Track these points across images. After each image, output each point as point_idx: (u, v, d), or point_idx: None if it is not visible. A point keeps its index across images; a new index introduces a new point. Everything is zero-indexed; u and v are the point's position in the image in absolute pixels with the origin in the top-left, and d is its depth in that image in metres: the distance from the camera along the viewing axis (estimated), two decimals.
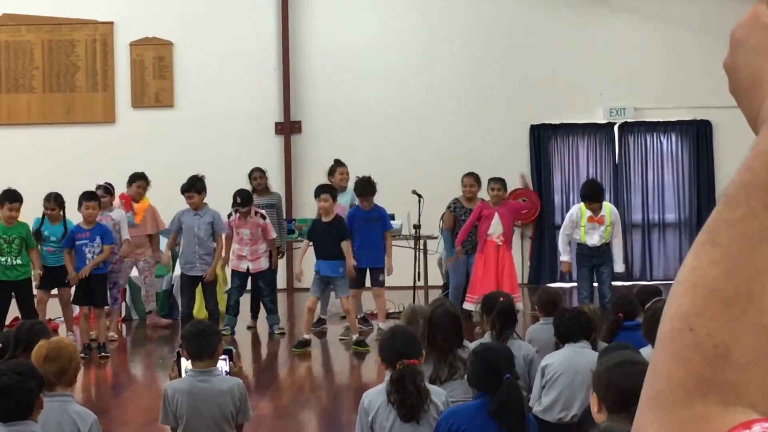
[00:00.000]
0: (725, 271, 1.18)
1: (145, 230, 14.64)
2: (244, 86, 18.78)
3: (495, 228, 13.60)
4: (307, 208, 17.34)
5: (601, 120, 19.07)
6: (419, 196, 14.68)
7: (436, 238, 14.94)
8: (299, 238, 15.12)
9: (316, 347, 12.99)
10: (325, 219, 12.90)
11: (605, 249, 13.32)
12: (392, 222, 14.52)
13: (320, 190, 13.07)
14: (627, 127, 19.15)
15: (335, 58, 18.82)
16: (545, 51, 18.86)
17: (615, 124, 19.11)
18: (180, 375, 6.73)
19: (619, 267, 13.51)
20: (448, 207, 14.30)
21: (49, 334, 6.95)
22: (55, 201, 13.30)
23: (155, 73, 18.97)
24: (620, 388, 4.33)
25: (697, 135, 19.10)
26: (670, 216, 19.21)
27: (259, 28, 18.89)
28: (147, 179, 14.89)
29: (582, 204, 13.56)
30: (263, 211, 14.15)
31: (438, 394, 6.10)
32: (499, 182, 13.85)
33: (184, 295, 13.41)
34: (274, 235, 14.03)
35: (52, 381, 5.64)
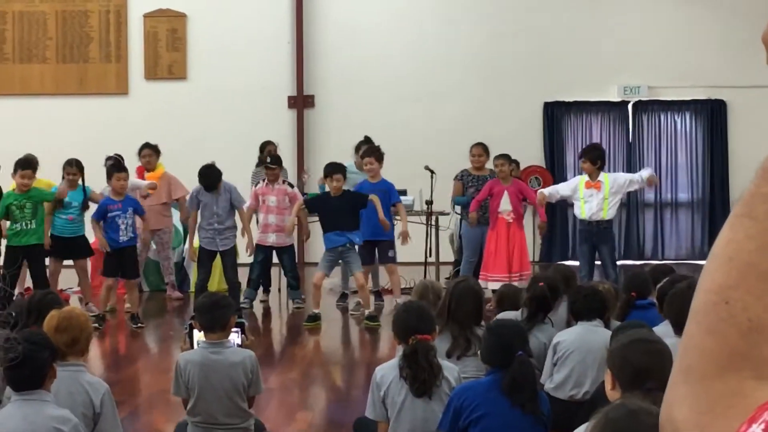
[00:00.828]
0: (761, 245, 1.17)
1: (161, 198, 14.60)
2: (257, 59, 18.75)
3: (504, 205, 13.54)
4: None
5: (615, 98, 19.01)
6: (432, 171, 14.65)
7: (447, 214, 14.93)
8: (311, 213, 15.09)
9: (328, 321, 12.98)
10: (335, 194, 12.78)
11: (605, 226, 13.14)
12: (404, 198, 14.49)
13: (332, 169, 12.89)
14: (641, 106, 19.10)
15: (349, 32, 18.78)
16: (559, 28, 18.79)
17: (629, 102, 19.05)
18: (192, 347, 6.75)
19: (646, 173, 13.42)
20: (456, 177, 14.23)
21: (61, 304, 6.95)
22: (76, 166, 13.30)
23: (168, 45, 18.94)
24: (635, 366, 4.34)
25: (712, 114, 19.04)
26: (683, 195, 19.17)
27: (273, 1, 18.84)
28: (153, 147, 14.84)
29: (581, 176, 13.44)
30: (290, 181, 14.07)
31: (450, 369, 6.10)
32: (503, 158, 13.73)
33: (201, 268, 13.28)
34: (302, 199, 13.88)
35: (64, 351, 5.64)
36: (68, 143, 18.05)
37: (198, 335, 6.70)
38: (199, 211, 13.34)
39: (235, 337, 6.79)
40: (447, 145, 18.01)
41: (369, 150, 13.65)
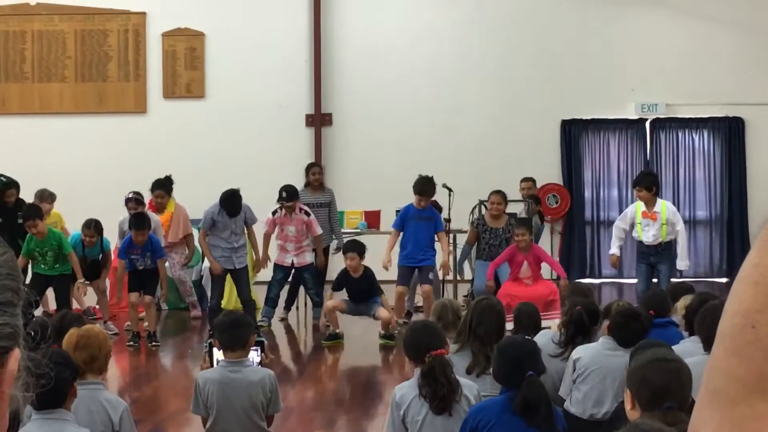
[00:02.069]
0: None
1: (176, 235, 14.62)
2: (275, 78, 18.79)
3: (524, 273, 13.47)
4: (336, 200, 17.32)
5: (633, 116, 18.99)
6: (449, 189, 14.66)
7: (466, 231, 14.91)
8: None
9: (347, 339, 12.97)
10: (354, 274, 12.85)
11: (664, 247, 13.04)
12: None
13: (349, 247, 13.02)
14: (659, 123, 19.07)
15: (367, 50, 18.81)
16: (577, 46, 18.80)
17: (647, 120, 19.03)
18: (212, 365, 6.75)
19: (682, 264, 13.20)
20: (472, 223, 14.13)
21: (82, 323, 6.97)
22: (95, 228, 13.46)
23: (187, 63, 19.01)
24: (653, 385, 4.32)
25: (729, 132, 19.00)
26: (701, 213, 19.12)
27: (291, 19, 18.89)
28: (165, 186, 14.68)
29: (637, 202, 13.38)
30: (307, 208, 14.09)
31: (470, 387, 6.09)
32: (523, 227, 13.53)
33: (215, 287, 13.37)
34: (319, 230, 13.95)
35: (82, 368, 5.65)
36: (87, 162, 18.14)
37: (218, 354, 6.71)
38: (213, 230, 13.34)
39: (254, 356, 6.79)
40: (465, 163, 18.02)
41: (426, 189, 13.56)
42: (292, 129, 18.84)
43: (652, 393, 4.31)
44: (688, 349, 6.35)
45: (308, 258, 13.87)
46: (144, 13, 18.97)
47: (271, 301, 13.85)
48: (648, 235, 12.97)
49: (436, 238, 13.56)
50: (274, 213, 13.93)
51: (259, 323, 13.25)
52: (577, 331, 7.55)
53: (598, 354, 7.04)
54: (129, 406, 5.93)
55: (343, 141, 18.85)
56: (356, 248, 12.88)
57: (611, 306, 7.80)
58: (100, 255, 13.60)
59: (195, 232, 14.71)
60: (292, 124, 18.85)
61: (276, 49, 18.81)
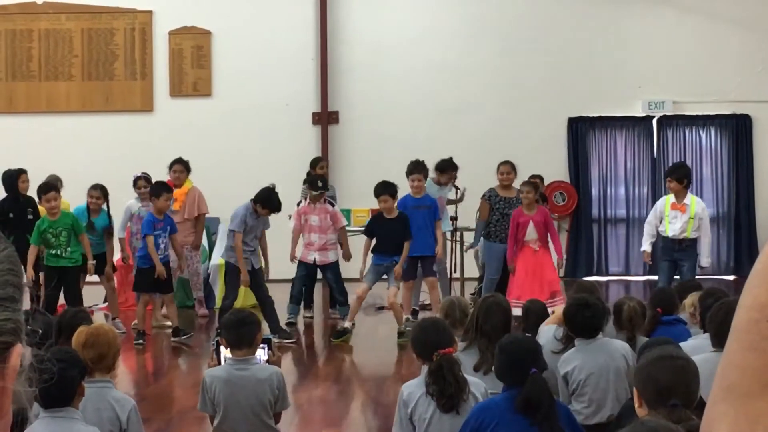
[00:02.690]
0: None
1: (190, 213, 14.58)
2: (281, 76, 18.79)
3: (530, 235, 13.45)
4: (343, 199, 17.31)
5: (640, 113, 18.97)
6: (456, 188, 14.65)
7: (472, 230, 14.90)
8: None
9: (355, 337, 12.97)
10: (387, 216, 12.84)
11: (688, 244, 12.98)
12: None
13: (380, 190, 12.93)
14: (666, 121, 19.05)
15: (373, 48, 18.81)
16: (584, 43, 18.78)
17: (654, 117, 19.01)
18: (219, 363, 6.75)
19: (704, 261, 13.08)
20: (483, 196, 14.13)
21: (91, 321, 6.98)
22: (100, 190, 13.52)
23: (193, 62, 19.02)
24: (659, 383, 4.32)
25: (737, 129, 18.97)
26: (709, 210, 19.01)
27: (297, 18, 18.89)
28: (185, 163, 14.81)
29: (667, 196, 13.37)
30: (330, 199, 14.08)
31: (477, 385, 6.08)
32: (528, 185, 13.60)
33: (231, 288, 13.19)
34: (344, 221, 13.93)
35: (90, 367, 5.66)
36: (94, 160, 18.16)
37: (225, 352, 6.71)
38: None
39: (261, 354, 6.79)
40: (472, 161, 17.97)
41: (417, 166, 13.60)
42: (298, 127, 18.84)
43: (658, 391, 4.31)
44: (695, 346, 6.33)
45: (331, 257, 13.76)
46: (151, 12, 18.98)
47: (295, 299, 13.80)
48: (674, 227, 12.93)
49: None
50: (298, 204, 13.84)
51: (288, 321, 13.25)
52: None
53: (583, 361, 6.96)
54: (137, 404, 5.93)
55: (350, 139, 18.85)
56: (388, 190, 12.85)
57: (622, 303, 7.77)
58: (108, 224, 13.57)
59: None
60: (298, 122, 18.85)
61: (283, 48, 18.81)
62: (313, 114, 18.94)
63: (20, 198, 13.90)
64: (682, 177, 13.11)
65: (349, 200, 16.96)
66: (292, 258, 13.85)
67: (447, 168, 14.10)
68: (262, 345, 6.79)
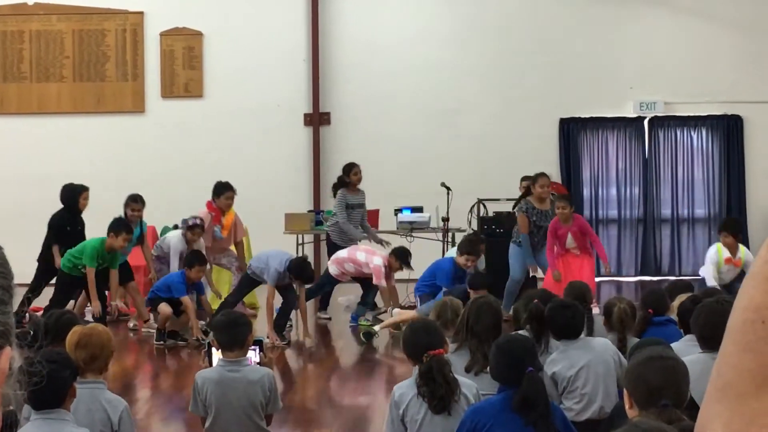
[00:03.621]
0: None
1: (230, 242, 14.55)
2: (273, 77, 18.79)
3: (570, 243, 13.53)
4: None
5: (631, 114, 19.00)
6: (448, 188, 14.68)
7: (464, 231, 14.90)
8: (326, 229, 15.10)
9: (345, 339, 12.97)
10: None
11: (739, 275, 13.02)
12: (420, 214, 14.51)
13: (469, 248, 13.13)
14: (657, 122, 19.08)
15: (365, 49, 18.81)
16: (576, 45, 18.80)
17: (645, 118, 19.03)
18: (211, 365, 6.76)
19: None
20: (520, 209, 13.91)
21: (79, 323, 6.96)
22: (141, 202, 13.78)
23: (185, 63, 19.01)
24: (648, 384, 4.32)
25: (728, 130, 19.00)
26: (700, 211, 19.13)
27: (289, 18, 18.89)
28: (234, 189, 14.43)
29: (718, 244, 13.28)
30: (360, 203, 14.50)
31: (468, 386, 6.08)
32: (564, 200, 13.66)
33: (238, 291, 13.17)
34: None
35: (83, 367, 5.66)
36: (85, 161, 18.14)
37: (216, 353, 6.71)
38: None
39: (253, 355, 6.79)
40: (463, 162, 18.03)
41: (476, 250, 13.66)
42: (290, 128, 18.83)
43: (648, 391, 4.32)
44: (686, 347, 6.34)
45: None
46: (142, 13, 18.96)
47: (369, 304, 13.91)
48: (724, 277, 12.93)
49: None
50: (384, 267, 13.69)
51: (369, 330, 13.13)
52: (540, 326, 7.42)
53: (570, 361, 6.97)
54: (129, 405, 5.92)
55: (342, 140, 18.84)
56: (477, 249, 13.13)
57: (612, 305, 7.75)
58: (139, 233, 13.75)
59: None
60: (290, 123, 18.84)
61: (274, 49, 18.81)
62: (305, 115, 18.94)
63: (78, 214, 14.04)
64: (738, 231, 13.19)
65: None
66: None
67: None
68: (253, 347, 6.80)
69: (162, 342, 12.59)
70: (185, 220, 13.81)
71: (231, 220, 14.45)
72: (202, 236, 13.79)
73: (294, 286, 12.64)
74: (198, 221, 13.80)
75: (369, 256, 13.62)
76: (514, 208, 14.22)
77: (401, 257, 13.60)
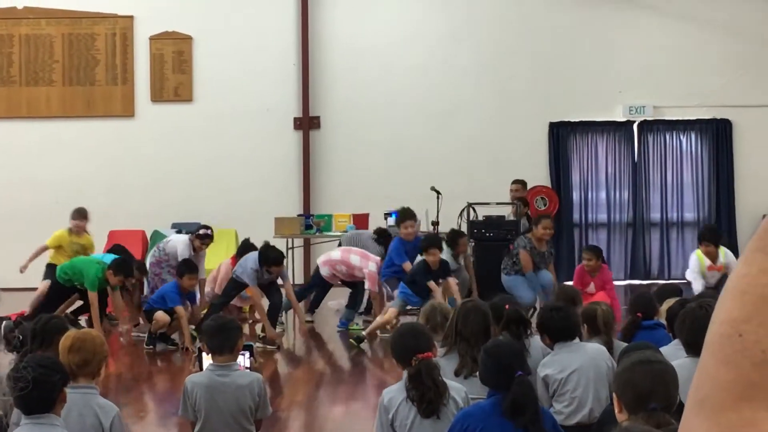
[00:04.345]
0: None
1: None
2: (263, 81, 18.79)
3: (589, 290, 13.50)
4: (324, 204, 17.34)
5: (621, 118, 19.04)
6: (438, 192, 14.69)
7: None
8: (317, 234, 15.10)
9: (335, 343, 12.95)
10: (434, 268, 13.01)
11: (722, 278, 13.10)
12: None
13: (430, 243, 13.14)
14: (646, 126, 19.12)
15: (355, 53, 18.82)
16: (565, 49, 18.83)
17: (634, 122, 19.08)
18: (201, 369, 6.75)
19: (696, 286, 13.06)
20: (524, 248, 13.67)
21: (68, 328, 6.95)
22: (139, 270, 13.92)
23: (174, 67, 19.00)
24: (637, 387, 4.34)
25: (717, 134, 19.05)
26: (689, 215, 19.17)
27: (278, 22, 18.89)
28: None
29: (698, 251, 13.32)
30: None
31: (457, 390, 6.08)
32: (591, 251, 13.44)
33: (227, 293, 13.19)
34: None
35: (75, 372, 5.66)
36: (75, 165, 18.12)
37: (206, 358, 6.71)
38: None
39: (242, 360, 6.79)
40: (453, 166, 18.05)
41: (408, 214, 13.81)
42: (280, 132, 18.83)
43: (637, 395, 4.34)
44: (676, 351, 6.36)
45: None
46: (131, 17, 18.95)
47: (357, 305, 13.95)
48: (709, 281, 13.00)
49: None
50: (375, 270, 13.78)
51: (359, 335, 13.15)
52: (518, 330, 7.43)
53: (562, 362, 6.98)
54: (120, 410, 5.92)
55: (332, 144, 18.85)
56: (437, 244, 13.11)
57: (594, 309, 7.74)
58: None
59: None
60: (280, 127, 18.84)
61: (264, 53, 18.81)
62: (295, 119, 18.94)
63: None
64: (717, 240, 13.23)
65: (330, 205, 16.98)
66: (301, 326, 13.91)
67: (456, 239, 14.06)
68: (243, 351, 6.79)
69: (152, 347, 12.60)
70: (193, 229, 13.85)
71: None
72: (208, 247, 13.84)
73: (279, 281, 12.73)
74: (209, 232, 13.86)
75: (363, 260, 13.64)
76: (523, 248, 13.98)
77: None
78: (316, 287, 14.11)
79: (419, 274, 13.08)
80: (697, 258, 13.30)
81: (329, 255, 13.92)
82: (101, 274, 13.00)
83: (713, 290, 12.74)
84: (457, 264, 14.05)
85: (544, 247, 13.83)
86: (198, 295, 13.48)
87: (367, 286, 13.62)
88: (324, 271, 13.76)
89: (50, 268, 14.10)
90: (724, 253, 13.26)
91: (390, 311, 12.96)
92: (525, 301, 13.61)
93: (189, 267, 12.93)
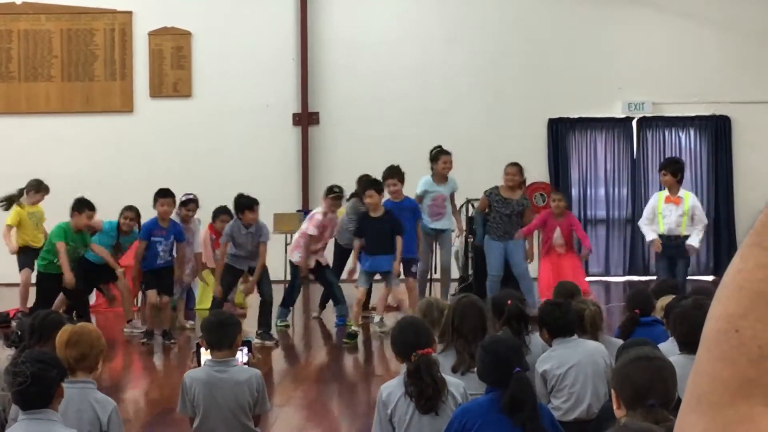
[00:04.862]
0: None
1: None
2: (262, 77, 18.78)
3: (557, 240, 13.60)
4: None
5: (620, 115, 19.03)
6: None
7: (453, 230, 14.90)
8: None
9: (335, 338, 12.95)
10: (373, 214, 12.85)
11: (682, 241, 13.09)
12: None
13: (366, 186, 12.98)
14: (645, 122, 19.11)
15: (354, 49, 18.81)
16: (564, 45, 18.83)
17: (633, 118, 19.07)
18: (199, 365, 6.75)
19: (693, 240, 13.04)
20: (485, 192, 14.06)
21: (64, 323, 6.94)
22: (135, 212, 13.61)
23: (173, 62, 18.99)
24: (635, 384, 4.35)
25: (716, 130, 19.05)
26: None
27: (277, 18, 18.89)
28: (230, 212, 14.55)
29: (660, 192, 13.43)
30: None
31: (456, 385, 6.08)
32: (560, 193, 13.84)
33: (225, 283, 13.14)
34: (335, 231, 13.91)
35: (73, 366, 5.66)
36: (73, 161, 18.12)
37: (205, 353, 6.71)
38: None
39: (241, 356, 6.79)
40: (453, 162, 18.00)
41: (392, 171, 13.63)
42: (279, 128, 18.83)
43: (635, 391, 4.34)
44: (673, 347, 6.36)
45: (327, 257, 13.81)
46: (130, 12, 18.94)
47: (292, 302, 13.80)
48: (668, 222, 12.98)
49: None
50: (324, 215, 13.63)
51: (279, 325, 13.24)
52: (519, 326, 7.44)
53: (561, 357, 6.99)
54: (117, 405, 5.91)
55: (331, 140, 18.85)
56: (374, 186, 12.94)
57: (580, 308, 7.71)
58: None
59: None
60: (279, 123, 18.84)
61: (263, 48, 18.80)
62: (294, 115, 18.94)
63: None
64: (676, 171, 13.21)
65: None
66: (306, 271, 13.72)
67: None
68: (242, 347, 6.79)
69: (148, 340, 12.60)
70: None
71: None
72: (197, 212, 13.85)
73: (259, 248, 12.71)
74: (191, 196, 13.85)
75: (304, 224, 13.68)
76: (483, 192, 14.23)
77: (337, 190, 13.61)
78: (295, 280, 13.87)
79: (358, 222, 12.97)
80: (656, 197, 13.33)
81: (296, 240, 13.92)
82: (66, 225, 12.95)
83: (674, 240, 12.77)
84: (438, 191, 13.86)
85: (515, 195, 13.88)
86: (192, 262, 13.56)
87: (303, 229, 13.57)
88: (294, 258, 13.68)
89: (25, 255, 14.02)
90: (687, 196, 13.23)
91: (359, 290, 12.91)
92: (491, 272, 13.76)
93: (160, 192, 13.00)
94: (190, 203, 13.80)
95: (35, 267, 13.41)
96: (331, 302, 14.37)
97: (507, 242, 13.71)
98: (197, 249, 13.91)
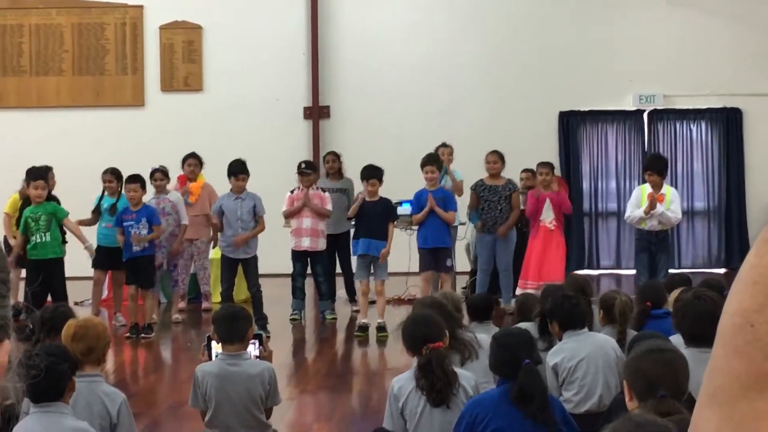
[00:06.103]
0: None
1: (204, 209, 14.48)
2: (272, 70, 18.79)
3: (546, 213, 13.59)
4: None
5: (631, 107, 19.00)
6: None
7: (464, 224, 14.90)
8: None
9: (345, 331, 12.96)
10: (369, 199, 12.87)
11: (663, 236, 13.13)
12: None
13: (369, 174, 12.98)
14: (656, 115, 19.08)
15: (364, 43, 18.81)
16: (574, 37, 18.79)
17: (644, 111, 19.04)
18: (210, 358, 6.76)
19: (673, 213, 13.08)
20: (471, 187, 14.15)
21: (74, 315, 6.96)
22: (112, 174, 13.58)
23: (184, 56, 19.01)
24: (647, 376, 4.36)
25: (727, 123, 19.00)
26: (699, 204, 19.12)
27: (288, 12, 18.89)
28: (199, 157, 14.88)
29: (642, 185, 13.43)
30: (323, 187, 14.06)
31: (467, 378, 6.08)
32: (546, 166, 13.87)
33: (223, 278, 13.21)
34: (330, 207, 13.70)
35: (80, 359, 5.66)
36: (84, 155, 18.15)
37: (216, 347, 6.72)
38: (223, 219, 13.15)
39: (252, 349, 6.80)
40: (463, 155, 17.96)
41: (431, 158, 13.57)
42: (290, 122, 18.84)
43: (647, 383, 4.35)
44: (678, 342, 6.35)
45: (321, 244, 13.64)
46: (141, 6, 18.96)
47: (300, 293, 13.77)
48: (653, 218, 12.99)
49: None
50: (291, 192, 13.75)
51: (291, 318, 13.27)
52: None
53: (572, 350, 6.98)
54: (128, 399, 5.93)
55: (341, 134, 18.84)
56: (377, 174, 13.01)
57: (612, 298, 7.74)
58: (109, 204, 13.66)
59: None
60: (290, 116, 18.85)
61: (274, 42, 18.81)
62: (305, 108, 18.95)
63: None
64: (663, 170, 13.20)
65: None
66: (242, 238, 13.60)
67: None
68: (253, 340, 6.80)
69: (135, 336, 12.54)
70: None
71: (200, 185, 14.71)
72: (165, 182, 13.98)
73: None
74: (157, 166, 13.93)
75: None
76: (470, 188, 14.27)
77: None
78: (296, 266, 13.82)
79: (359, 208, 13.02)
80: (639, 189, 13.37)
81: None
82: (16, 195, 13.27)
83: (654, 236, 12.76)
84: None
85: (499, 182, 13.91)
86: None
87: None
88: (293, 244, 13.71)
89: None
90: (669, 190, 13.24)
91: (361, 284, 12.93)
92: (481, 266, 13.80)
93: (127, 178, 13.04)
94: (155, 173, 13.85)
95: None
96: (339, 295, 14.39)
97: (497, 236, 13.70)
98: (183, 221, 13.86)
